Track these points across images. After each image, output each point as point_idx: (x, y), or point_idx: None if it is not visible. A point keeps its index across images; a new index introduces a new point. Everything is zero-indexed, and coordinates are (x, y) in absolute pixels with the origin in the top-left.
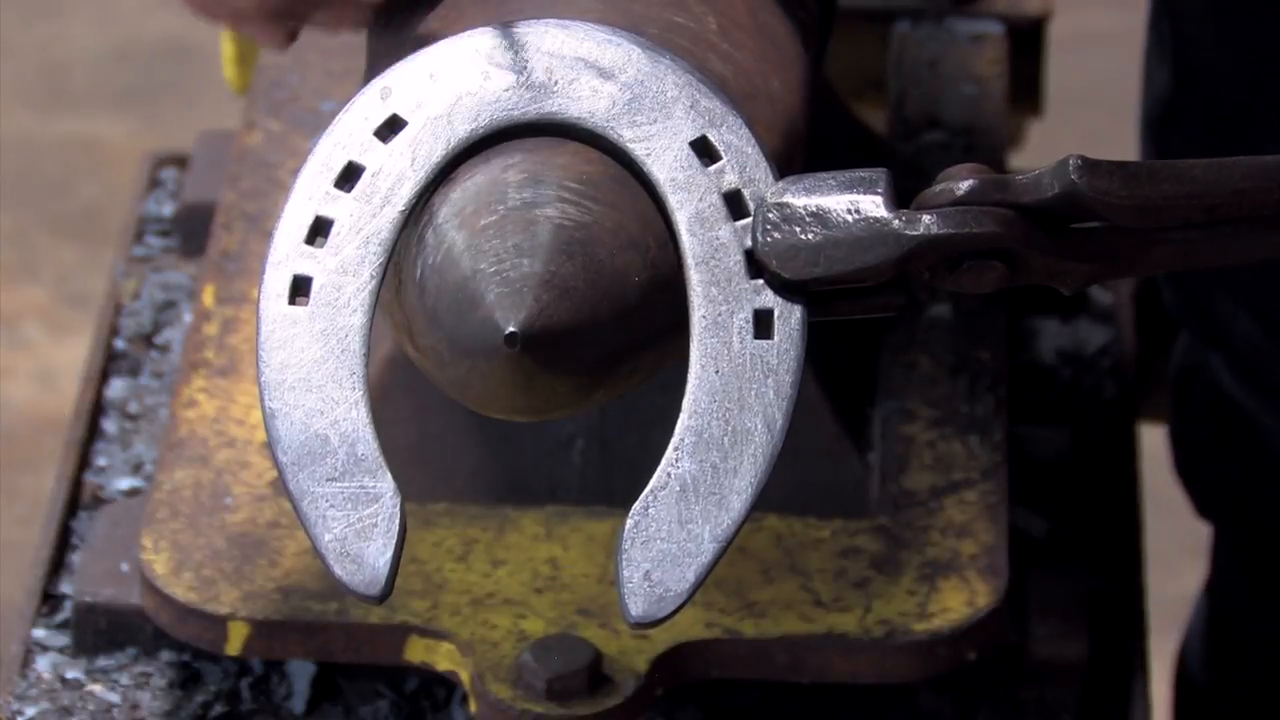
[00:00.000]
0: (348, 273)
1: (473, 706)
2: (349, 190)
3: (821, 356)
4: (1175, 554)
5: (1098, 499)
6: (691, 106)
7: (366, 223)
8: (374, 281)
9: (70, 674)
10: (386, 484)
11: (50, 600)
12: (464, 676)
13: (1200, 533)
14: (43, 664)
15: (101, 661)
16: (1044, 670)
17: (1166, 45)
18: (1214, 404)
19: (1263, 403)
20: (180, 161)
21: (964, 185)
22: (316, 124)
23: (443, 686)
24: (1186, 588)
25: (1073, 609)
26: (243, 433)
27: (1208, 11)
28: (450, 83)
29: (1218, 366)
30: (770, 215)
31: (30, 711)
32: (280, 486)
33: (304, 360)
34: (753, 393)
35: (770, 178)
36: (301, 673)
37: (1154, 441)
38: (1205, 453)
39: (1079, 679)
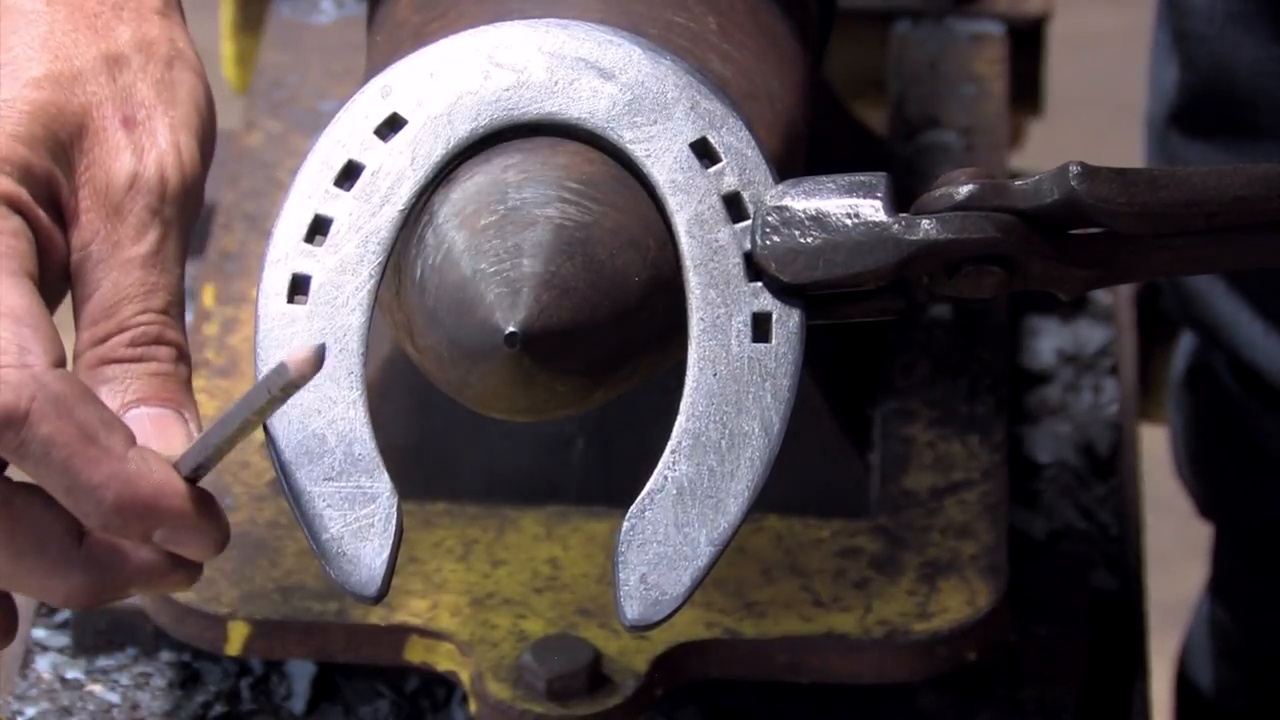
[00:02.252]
0: (347, 271)
1: (473, 706)
2: (349, 189)
3: (821, 357)
4: (1175, 554)
5: (1098, 500)
6: (692, 108)
7: (366, 221)
8: (373, 281)
9: (70, 674)
10: (383, 484)
11: None
12: (464, 676)
13: (1200, 533)
14: (43, 664)
15: (101, 661)
16: (1044, 670)
17: (1175, 43)
18: (1215, 404)
19: (1263, 403)
20: None
21: (963, 190)
22: (316, 124)
23: (443, 686)
24: (1186, 588)
25: (1073, 609)
26: None
27: (1218, 9)
28: (450, 82)
29: (1219, 367)
30: (770, 218)
31: (30, 711)
32: (278, 486)
33: None
34: (750, 396)
35: (770, 180)
36: (301, 673)
37: (1154, 441)
38: (1206, 453)
39: (1079, 679)
